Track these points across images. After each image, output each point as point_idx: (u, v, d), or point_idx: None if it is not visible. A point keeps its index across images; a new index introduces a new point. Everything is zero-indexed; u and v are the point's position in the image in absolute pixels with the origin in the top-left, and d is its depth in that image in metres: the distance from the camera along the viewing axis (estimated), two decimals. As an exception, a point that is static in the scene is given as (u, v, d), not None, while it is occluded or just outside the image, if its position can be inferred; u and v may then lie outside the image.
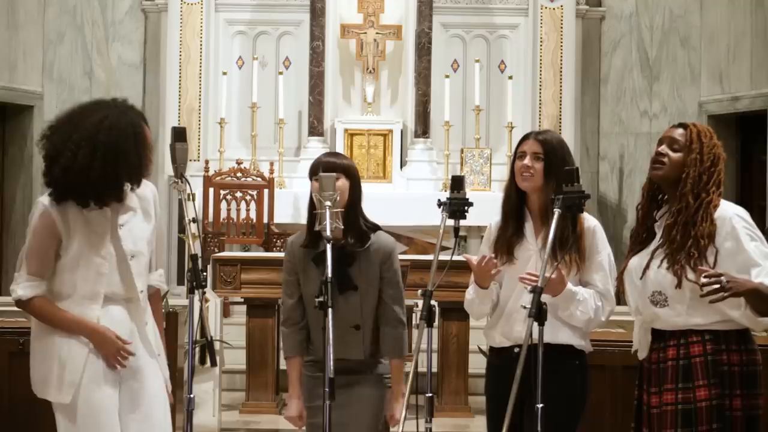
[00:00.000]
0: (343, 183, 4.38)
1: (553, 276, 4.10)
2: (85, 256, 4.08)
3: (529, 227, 4.36)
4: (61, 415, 4.10)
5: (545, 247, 4.16)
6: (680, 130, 4.12)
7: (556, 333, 4.19)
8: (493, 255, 4.33)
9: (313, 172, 4.40)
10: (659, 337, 4.06)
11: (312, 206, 4.39)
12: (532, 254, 4.32)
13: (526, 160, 4.33)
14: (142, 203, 4.24)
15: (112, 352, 4.08)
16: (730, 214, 4.01)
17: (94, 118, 4.06)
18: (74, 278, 4.09)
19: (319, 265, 4.32)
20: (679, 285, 3.95)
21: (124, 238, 4.14)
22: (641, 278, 4.07)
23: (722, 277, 3.77)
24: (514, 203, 4.39)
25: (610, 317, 4.37)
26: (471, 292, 4.39)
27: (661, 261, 4.01)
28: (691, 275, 3.93)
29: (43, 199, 4.11)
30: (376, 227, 4.49)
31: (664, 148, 4.10)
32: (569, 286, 4.19)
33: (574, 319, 4.24)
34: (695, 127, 4.11)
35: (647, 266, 4.06)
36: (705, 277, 3.79)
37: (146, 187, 4.26)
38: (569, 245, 4.21)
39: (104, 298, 4.11)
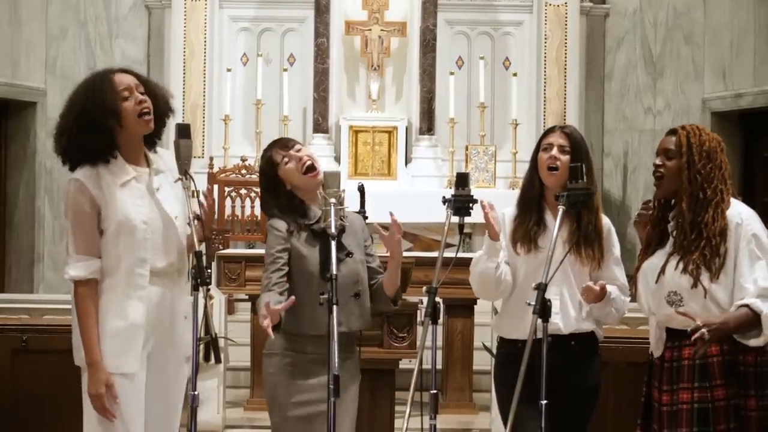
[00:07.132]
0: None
1: (595, 286, 4.19)
2: (127, 224, 4.00)
3: (549, 218, 4.39)
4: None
5: (565, 239, 4.20)
6: (671, 138, 4.14)
7: (580, 323, 4.33)
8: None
9: (283, 144, 4.45)
10: (675, 336, 4.05)
11: (268, 180, 4.41)
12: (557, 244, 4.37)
13: (554, 152, 4.37)
14: (170, 167, 4.17)
15: (94, 393, 3.94)
16: (742, 220, 4.01)
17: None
18: (118, 250, 4.00)
19: (315, 237, 4.30)
20: (695, 285, 3.95)
21: (163, 200, 4.10)
22: (657, 281, 4.08)
23: (702, 329, 3.77)
24: (536, 194, 4.43)
25: None
26: (480, 252, 4.43)
27: (677, 263, 4.02)
28: (705, 277, 3.94)
29: (75, 174, 4.04)
30: None
31: (659, 160, 4.14)
32: (608, 287, 4.26)
33: (610, 317, 4.34)
34: (683, 130, 4.12)
35: (663, 270, 4.06)
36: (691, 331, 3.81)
37: (168, 154, 4.22)
38: (591, 240, 4.30)
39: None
